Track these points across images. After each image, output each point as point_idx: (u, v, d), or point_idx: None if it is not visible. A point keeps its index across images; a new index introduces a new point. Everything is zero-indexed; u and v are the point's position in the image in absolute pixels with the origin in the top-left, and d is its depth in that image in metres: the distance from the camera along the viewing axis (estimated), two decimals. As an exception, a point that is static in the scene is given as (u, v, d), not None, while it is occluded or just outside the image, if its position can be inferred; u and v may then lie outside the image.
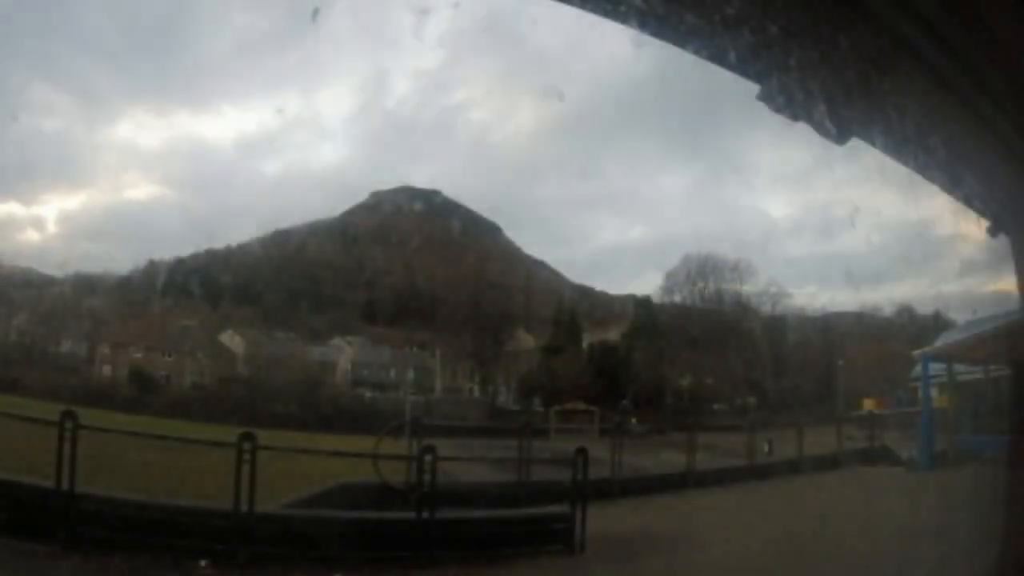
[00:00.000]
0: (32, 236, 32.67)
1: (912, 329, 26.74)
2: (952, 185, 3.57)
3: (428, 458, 10.28)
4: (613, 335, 32.81)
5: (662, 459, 17.95)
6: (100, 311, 27.33)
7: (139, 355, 27.71)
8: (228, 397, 25.52)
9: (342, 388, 30.62)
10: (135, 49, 38.13)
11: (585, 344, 32.86)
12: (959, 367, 18.18)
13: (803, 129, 3.12)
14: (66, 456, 8.93)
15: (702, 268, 33.51)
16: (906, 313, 29.44)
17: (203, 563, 8.49)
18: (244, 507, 9.13)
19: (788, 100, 3.06)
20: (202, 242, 29.33)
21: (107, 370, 27.13)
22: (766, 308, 32.91)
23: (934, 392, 19.26)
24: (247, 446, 9.42)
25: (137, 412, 19.60)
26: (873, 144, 3.40)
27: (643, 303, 33.26)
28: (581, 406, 26.90)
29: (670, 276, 33.51)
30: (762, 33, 2.93)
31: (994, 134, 2.81)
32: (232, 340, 29.50)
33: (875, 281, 34.62)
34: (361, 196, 34.71)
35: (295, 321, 30.53)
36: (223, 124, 40.12)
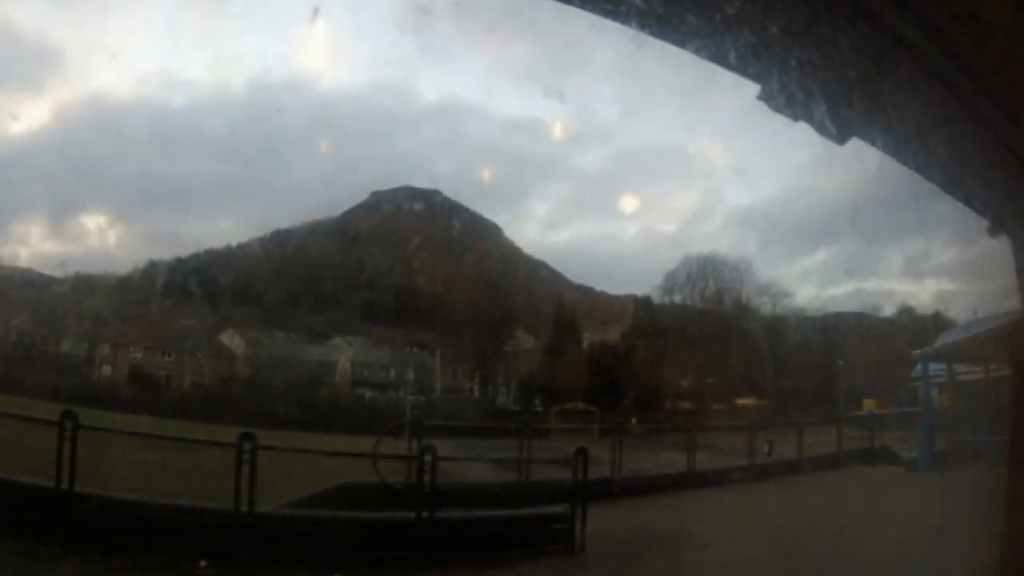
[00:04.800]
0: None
1: (912, 329, 26.74)
2: (952, 185, 3.57)
3: (428, 458, 10.29)
4: (613, 335, 32.82)
5: (662, 459, 17.94)
6: (100, 311, 27.33)
7: (139, 355, 27.71)
8: (228, 397, 25.54)
9: (342, 388, 30.63)
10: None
11: (585, 344, 32.86)
12: (959, 367, 18.20)
13: (803, 129, 3.13)
14: (66, 456, 8.94)
15: (702, 268, 33.51)
16: (906, 313, 29.46)
17: (203, 563, 8.49)
18: (244, 507, 9.14)
19: (788, 100, 3.06)
20: (202, 242, 29.38)
21: (107, 370, 27.13)
22: (766, 308, 32.94)
23: (934, 392, 19.28)
24: (247, 446, 9.43)
25: (137, 412, 19.60)
26: (873, 144, 3.40)
27: (643, 303, 33.27)
28: (581, 406, 26.92)
29: (670, 276, 33.50)
30: (762, 33, 2.93)
31: (994, 134, 2.81)
32: (232, 340, 29.50)
33: (875, 281, 34.63)
34: (361, 196, 34.72)
35: (295, 321, 30.54)
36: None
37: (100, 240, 32.70)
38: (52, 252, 31.01)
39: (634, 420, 26.15)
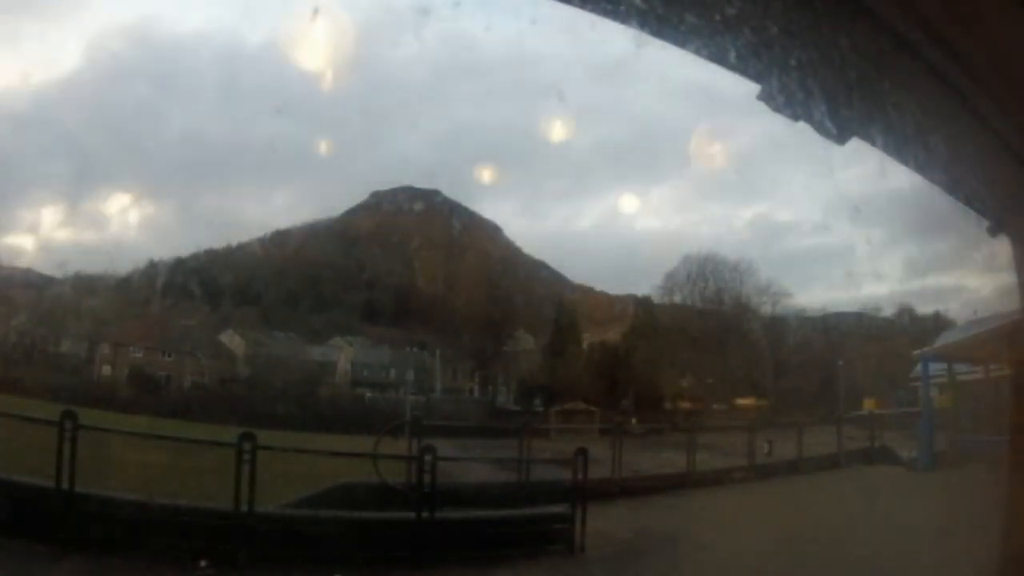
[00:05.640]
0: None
1: (912, 329, 26.78)
2: (952, 185, 3.57)
3: (428, 458, 10.29)
4: (613, 335, 32.82)
5: (662, 459, 17.95)
6: (100, 311, 27.31)
7: (139, 355, 27.73)
8: (228, 397, 25.56)
9: (342, 388, 30.64)
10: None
11: (585, 344, 32.87)
12: (959, 367, 18.22)
13: (803, 129, 3.13)
14: (66, 456, 8.94)
15: (702, 268, 33.55)
16: (906, 313, 29.49)
17: (203, 563, 8.49)
18: (244, 507, 9.13)
19: (788, 100, 3.06)
20: (202, 242, 29.34)
21: (107, 370, 27.15)
22: (766, 308, 32.97)
23: (934, 392, 19.29)
24: (247, 446, 9.42)
25: (137, 412, 19.61)
26: (873, 144, 3.40)
27: (643, 303, 33.29)
28: (581, 406, 26.93)
29: (670, 276, 33.54)
30: (762, 33, 2.93)
31: (994, 134, 2.81)
32: (232, 340, 29.51)
33: (875, 281, 34.62)
34: (361, 196, 34.72)
35: (295, 321, 30.55)
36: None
37: (122, 225, 30.04)
38: (64, 240, 29.27)
39: (634, 420, 26.15)
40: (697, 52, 3.05)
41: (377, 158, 38.91)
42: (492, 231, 36.10)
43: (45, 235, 28.86)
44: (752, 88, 3.16)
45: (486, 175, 28.51)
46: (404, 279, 32.04)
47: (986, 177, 3.27)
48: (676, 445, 18.25)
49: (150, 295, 26.30)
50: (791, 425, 18.81)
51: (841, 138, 3.23)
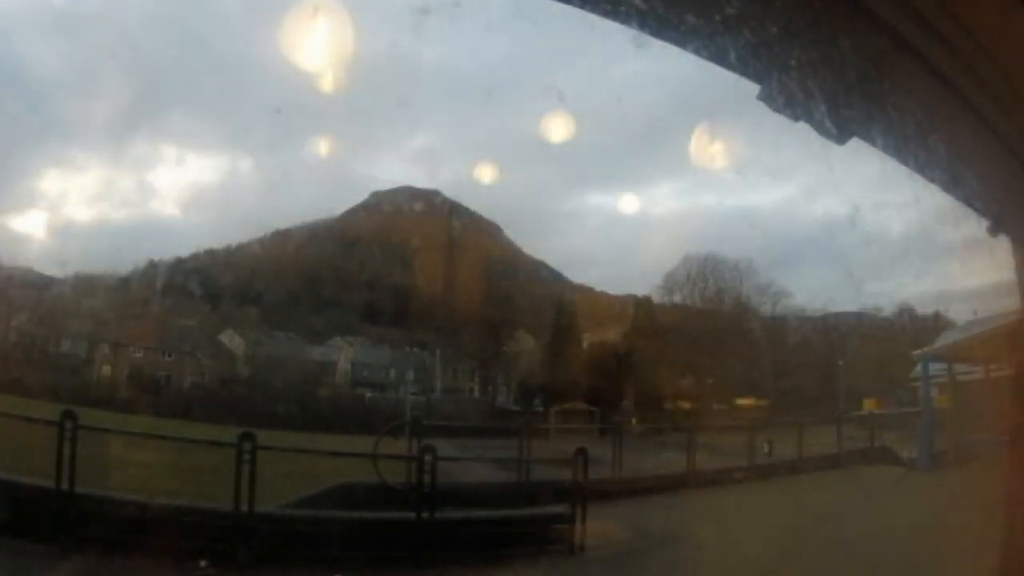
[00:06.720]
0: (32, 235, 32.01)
1: (912, 329, 26.77)
2: (952, 185, 3.57)
3: (428, 458, 10.30)
4: (613, 335, 32.82)
5: (662, 459, 17.94)
6: (100, 311, 27.30)
7: (139, 355, 27.74)
8: (228, 397, 25.58)
9: (342, 388, 30.67)
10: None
11: (585, 344, 32.87)
12: (959, 367, 18.20)
13: (803, 129, 3.12)
14: (66, 456, 8.94)
15: (702, 268, 33.59)
16: (906, 313, 29.46)
17: (203, 563, 8.49)
18: (244, 507, 9.14)
19: (788, 100, 3.06)
20: (202, 242, 29.35)
21: (107, 370, 27.15)
22: (766, 308, 32.99)
23: (934, 392, 19.29)
24: (247, 446, 9.43)
25: (137, 412, 19.61)
26: (873, 144, 3.39)
27: (643, 303, 33.29)
28: (581, 406, 26.94)
29: (670, 276, 33.57)
30: (762, 33, 2.93)
31: (994, 134, 2.81)
32: (232, 340, 29.53)
33: (875, 281, 34.57)
34: (361, 196, 34.75)
35: (295, 321, 30.57)
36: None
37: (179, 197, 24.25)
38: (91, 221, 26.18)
39: (634, 420, 26.15)
40: (697, 52, 3.05)
41: (377, 158, 38.89)
42: (492, 231, 36.11)
43: (67, 215, 27.22)
44: (752, 88, 3.16)
45: (486, 175, 28.51)
46: (404, 279, 32.04)
47: (986, 177, 3.27)
48: (676, 445, 18.23)
49: (150, 295, 26.30)
50: (791, 425, 18.80)
51: (841, 138, 3.23)
